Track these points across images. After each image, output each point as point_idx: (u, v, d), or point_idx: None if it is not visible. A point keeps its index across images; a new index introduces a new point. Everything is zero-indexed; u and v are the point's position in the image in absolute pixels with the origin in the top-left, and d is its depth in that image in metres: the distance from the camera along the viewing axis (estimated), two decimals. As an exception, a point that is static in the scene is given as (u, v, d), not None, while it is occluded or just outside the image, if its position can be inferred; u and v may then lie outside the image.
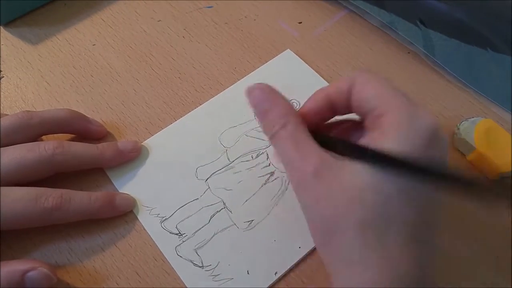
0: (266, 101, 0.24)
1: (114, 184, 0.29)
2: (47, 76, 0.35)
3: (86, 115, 0.33)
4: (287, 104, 0.24)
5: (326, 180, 0.22)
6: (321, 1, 0.40)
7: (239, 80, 0.35)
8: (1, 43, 0.36)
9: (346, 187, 0.21)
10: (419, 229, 0.21)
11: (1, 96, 0.33)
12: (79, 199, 0.26)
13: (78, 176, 0.29)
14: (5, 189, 0.25)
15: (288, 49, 0.36)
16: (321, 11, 0.40)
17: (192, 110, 0.33)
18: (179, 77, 0.35)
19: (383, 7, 0.37)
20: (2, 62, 0.35)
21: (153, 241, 0.28)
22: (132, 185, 0.29)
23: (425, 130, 0.21)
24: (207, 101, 0.34)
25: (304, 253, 0.28)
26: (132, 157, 0.30)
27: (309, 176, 0.22)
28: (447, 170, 0.20)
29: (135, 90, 0.34)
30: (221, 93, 0.34)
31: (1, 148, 0.26)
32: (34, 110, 0.29)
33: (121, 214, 0.28)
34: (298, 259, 0.27)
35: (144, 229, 0.28)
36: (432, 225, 0.22)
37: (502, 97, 0.35)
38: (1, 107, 0.33)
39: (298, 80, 0.35)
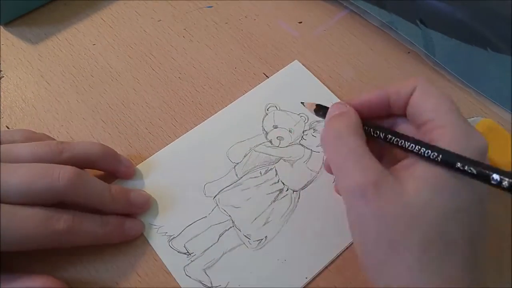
0: (341, 107, 0.25)
1: None
2: (47, 76, 0.35)
3: (86, 115, 0.33)
4: (354, 115, 0.25)
5: (387, 195, 0.21)
6: (321, 1, 0.40)
7: (239, 80, 0.35)
8: (1, 43, 0.36)
9: (407, 204, 0.21)
10: (475, 250, 0.21)
11: (1, 95, 0.33)
12: (90, 222, 0.25)
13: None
14: (14, 208, 0.23)
15: (296, 60, 0.36)
16: (321, 11, 0.40)
17: (193, 110, 0.33)
18: (179, 77, 0.35)
19: (383, 7, 0.37)
20: (2, 62, 0.35)
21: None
22: None
23: (478, 150, 0.21)
24: (208, 102, 0.34)
25: (316, 273, 0.27)
26: (140, 212, 0.28)
27: (368, 188, 0.21)
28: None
29: (135, 90, 0.34)
30: (228, 106, 0.33)
31: (15, 165, 0.24)
32: (66, 141, 0.27)
33: (131, 239, 0.28)
34: (309, 279, 0.27)
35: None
36: (484, 244, 0.22)
37: (502, 97, 0.35)
38: (1, 107, 0.33)
39: (306, 93, 0.34)
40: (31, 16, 0.38)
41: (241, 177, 0.30)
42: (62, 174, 0.24)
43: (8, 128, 0.32)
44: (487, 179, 0.20)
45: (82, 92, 0.34)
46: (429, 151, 0.21)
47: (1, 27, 0.37)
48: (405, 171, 0.22)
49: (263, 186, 0.30)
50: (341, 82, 0.36)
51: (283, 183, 0.30)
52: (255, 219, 0.29)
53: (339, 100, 0.34)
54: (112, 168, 0.29)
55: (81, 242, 0.26)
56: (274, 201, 0.29)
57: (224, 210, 0.29)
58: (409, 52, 0.37)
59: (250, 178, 0.30)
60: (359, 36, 0.38)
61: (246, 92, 0.34)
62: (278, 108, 0.33)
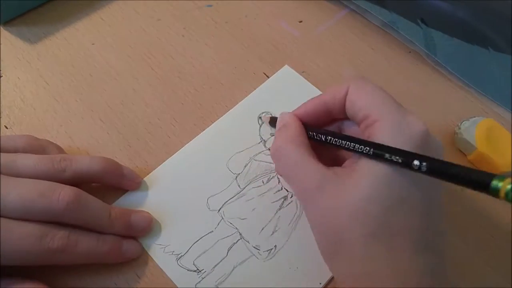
0: (281, 120, 0.27)
1: None
2: (46, 76, 0.34)
3: (85, 114, 0.33)
4: (296, 125, 0.26)
5: (329, 195, 0.22)
6: (321, 0, 0.40)
7: (239, 79, 0.35)
8: (0, 42, 0.36)
9: (349, 200, 0.22)
10: (425, 238, 0.22)
11: (0, 95, 0.33)
12: (86, 241, 0.25)
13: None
14: (9, 223, 0.23)
15: (286, 65, 0.36)
16: (321, 10, 0.39)
17: (192, 110, 0.33)
18: (178, 77, 0.35)
19: (384, 6, 0.37)
20: (1, 62, 0.35)
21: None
22: None
23: (414, 136, 0.22)
24: (207, 102, 0.34)
25: (330, 277, 0.27)
26: (141, 235, 0.28)
27: (313, 191, 0.23)
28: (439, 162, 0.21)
29: (134, 90, 0.34)
30: (222, 117, 0.33)
31: (16, 179, 0.24)
32: (68, 155, 0.27)
33: (128, 260, 0.27)
34: (323, 285, 0.27)
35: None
36: (438, 232, 0.22)
37: (503, 97, 0.35)
38: (0, 107, 0.33)
39: (299, 97, 0.33)
40: (30, 16, 0.37)
41: (244, 188, 0.30)
42: (62, 196, 0.24)
43: (6, 128, 0.32)
44: (410, 166, 0.21)
45: (81, 92, 0.34)
46: (362, 146, 0.22)
47: (0, 26, 0.37)
48: (348, 169, 0.23)
49: (267, 195, 0.30)
50: (342, 81, 0.35)
51: (286, 190, 0.30)
52: (263, 229, 0.28)
53: None
54: (115, 183, 0.29)
55: (76, 261, 0.25)
56: (279, 209, 0.29)
57: (230, 223, 0.29)
58: (410, 52, 0.37)
59: (253, 188, 0.30)
60: (359, 35, 0.38)
61: (246, 91, 0.34)
62: (273, 115, 0.33)
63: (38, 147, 0.28)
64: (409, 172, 0.21)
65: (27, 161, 0.26)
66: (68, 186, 0.25)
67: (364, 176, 0.22)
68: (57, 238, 0.24)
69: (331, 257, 0.23)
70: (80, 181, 0.27)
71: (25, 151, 0.27)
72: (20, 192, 0.23)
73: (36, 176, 0.25)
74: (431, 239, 0.22)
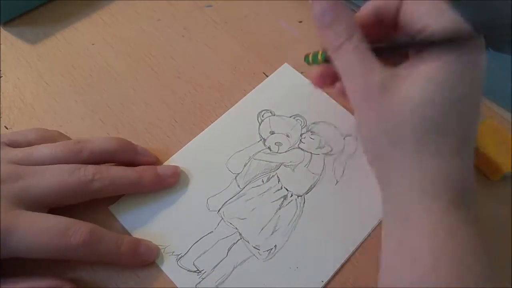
0: (331, 11, 0.24)
1: (121, 222, 0.28)
2: (46, 76, 0.34)
3: (85, 115, 0.33)
4: (351, 17, 0.24)
5: (391, 92, 0.22)
6: (321, 0, 0.40)
7: (239, 79, 0.35)
8: (0, 43, 0.36)
9: (409, 100, 0.22)
10: (465, 142, 0.23)
11: (0, 96, 0.33)
12: (107, 239, 0.25)
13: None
14: (33, 216, 0.24)
15: (286, 63, 0.36)
16: (321, 10, 0.39)
17: (192, 110, 0.33)
18: (178, 77, 0.35)
19: (384, 6, 0.37)
20: (1, 62, 0.35)
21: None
22: (142, 223, 0.28)
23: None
24: (207, 102, 0.34)
25: (331, 275, 0.27)
26: (171, 183, 0.29)
27: (376, 88, 0.23)
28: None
29: (134, 90, 0.34)
30: (221, 117, 0.33)
31: (43, 167, 0.25)
32: (81, 138, 0.28)
33: (143, 264, 0.27)
34: (325, 283, 0.27)
35: (143, 229, 0.28)
36: (473, 140, 0.24)
37: (503, 97, 0.35)
38: (0, 107, 0.33)
39: (299, 96, 0.34)
40: (30, 16, 0.37)
41: (244, 188, 0.30)
42: (87, 170, 0.26)
43: (6, 128, 0.32)
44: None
45: (81, 92, 0.34)
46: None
47: (0, 26, 0.37)
48: (407, 70, 0.23)
49: (266, 194, 0.30)
50: (342, 81, 0.35)
51: (286, 189, 0.30)
52: (262, 229, 0.28)
53: (332, 100, 0.34)
54: (130, 160, 0.29)
55: (95, 259, 0.25)
56: (279, 208, 0.29)
57: (230, 223, 0.29)
58: (409, 52, 0.37)
59: (253, 187, 0.30)
60: (359, 35, 0.38)
61: (245, 91, 0.34)
62: (273, 113, 0.33)
63: (49, 138, 0.28)
64: (465, 75, 0.22)
65: (43, 150, 0.26)
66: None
67: (424, 78, 0.22)
68: (79, 232, 0.24)
69: (382, 159, 0.24)
70: (96, 161, 0.27)
71: (37, 143, 0.27)
72: (52, 178, 0.25)
73: (55, 162, 0.26)
74: (468, 145, 0.23)
